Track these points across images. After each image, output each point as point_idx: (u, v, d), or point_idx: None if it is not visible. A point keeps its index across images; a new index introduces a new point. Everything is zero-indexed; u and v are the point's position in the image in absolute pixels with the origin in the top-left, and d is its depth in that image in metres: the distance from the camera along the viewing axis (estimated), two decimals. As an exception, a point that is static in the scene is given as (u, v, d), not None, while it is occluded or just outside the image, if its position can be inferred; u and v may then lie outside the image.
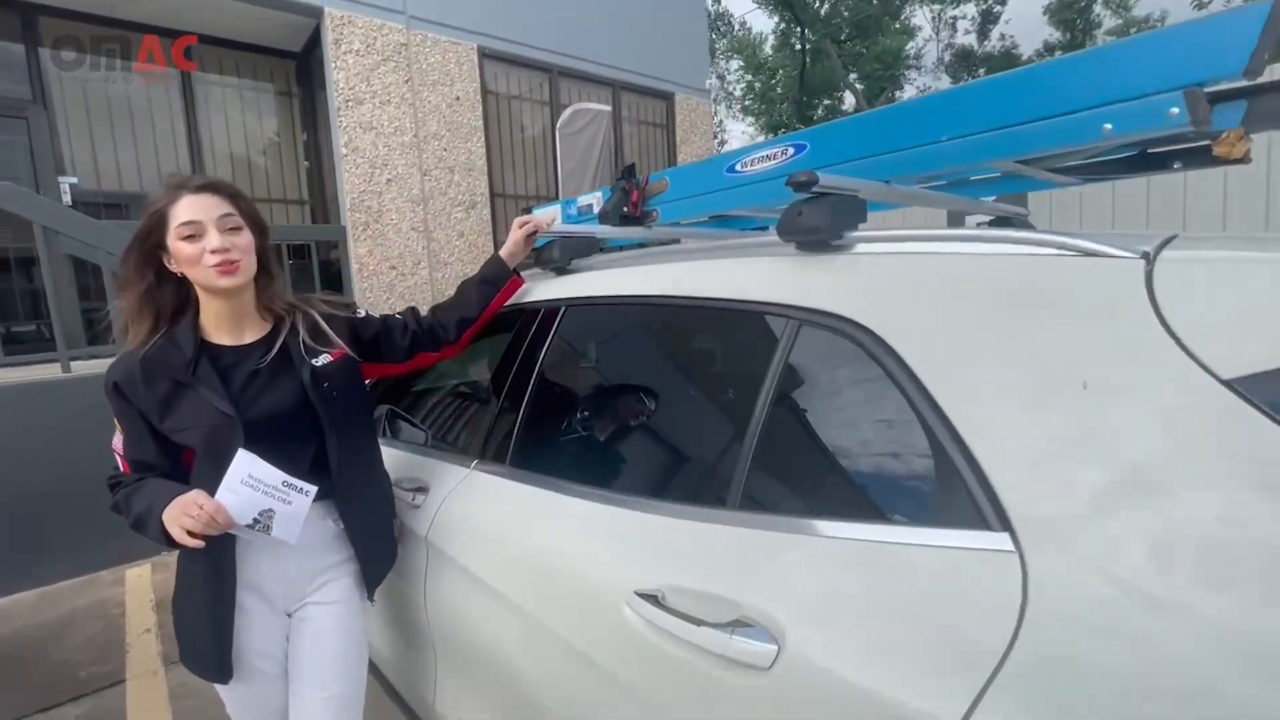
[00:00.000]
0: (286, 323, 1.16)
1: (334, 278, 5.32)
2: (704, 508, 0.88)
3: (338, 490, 1.14)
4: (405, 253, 5.27)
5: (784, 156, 1.11)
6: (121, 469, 1.13)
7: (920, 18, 20.59)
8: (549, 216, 1.42)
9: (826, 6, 17.96)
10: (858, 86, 18.96)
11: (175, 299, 1.11)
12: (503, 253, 1.41)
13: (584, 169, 5.09)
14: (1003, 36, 21.08)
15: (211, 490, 1.00)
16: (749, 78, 21.18)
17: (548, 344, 1.26)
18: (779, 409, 0.84)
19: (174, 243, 1.05)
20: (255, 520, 1.00)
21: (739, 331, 0.98)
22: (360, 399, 1.23)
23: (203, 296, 1.10)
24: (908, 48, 20.15)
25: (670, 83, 7.14)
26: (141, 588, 2.84)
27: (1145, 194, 4.43)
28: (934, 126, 0.92)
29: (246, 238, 1.09)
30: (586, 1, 6.28)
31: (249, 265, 1.09)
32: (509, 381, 1.31)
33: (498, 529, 1.16)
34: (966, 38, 21.23)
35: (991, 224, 1.27)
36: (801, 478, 0.83)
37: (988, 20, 20.71)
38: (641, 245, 1.89)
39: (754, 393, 0.86)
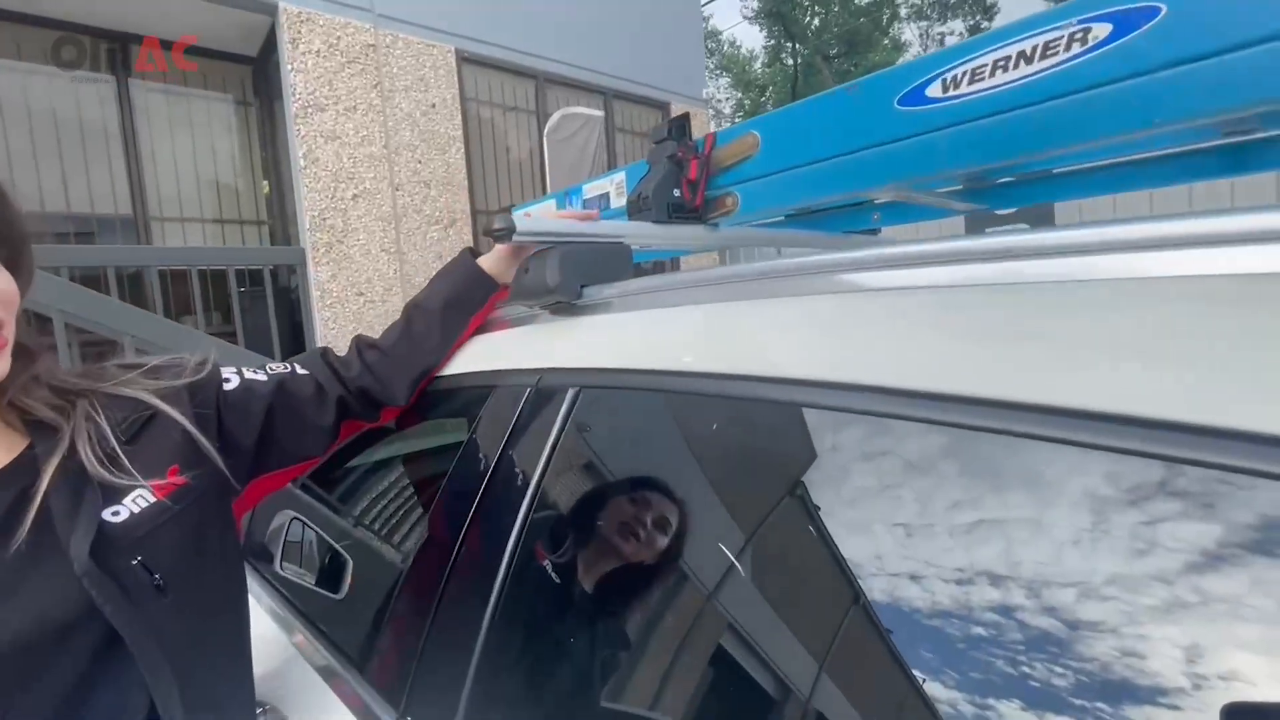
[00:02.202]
0: (60, 435, 0.52)
1: (293, 307, 4.66)
2: None
3: None
4: (374, 277, 4.65)
5: (1079, 47, 0.49)
6: None
7: (909, 33, 20.53)
8: (541, 214, 0.79)
9: (817, 21, 17.81)
10: (848, 103, 18.81)
11: None
12: (483, 262, 0.87)
13: (573, 181, 4.56)
14: (990, 52, 21.04)
15: None
16: (739, 95, 20.95)
17: (543, 465, 0.58)
18: None
19: None
20: None
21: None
22: (219, 576, 0.59)
23: None
24: (897, 64, 20.09)
25: (665, 91, 6.72)
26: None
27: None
28: None
29: (9, 283, 0.52)
30: (575, 4, 5.80)
31: (12, 335, 0.52)
32: (461, 543, 0.62)
33: None
34: (954, 53, 21.19)
35: None
36: None
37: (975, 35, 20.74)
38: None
39: None
